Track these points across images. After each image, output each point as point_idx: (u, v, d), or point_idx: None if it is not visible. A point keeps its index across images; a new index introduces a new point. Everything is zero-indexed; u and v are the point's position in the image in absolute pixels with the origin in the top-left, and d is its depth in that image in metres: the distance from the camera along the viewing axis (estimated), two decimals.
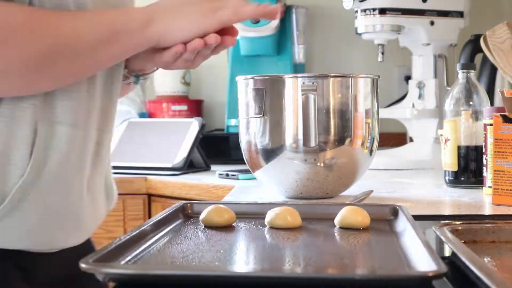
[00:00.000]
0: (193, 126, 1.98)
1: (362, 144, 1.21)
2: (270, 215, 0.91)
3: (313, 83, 1.17)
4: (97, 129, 0.95)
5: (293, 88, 1.18)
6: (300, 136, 1.18)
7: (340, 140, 1.19)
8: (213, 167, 1.99)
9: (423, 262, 0.66)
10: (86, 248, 1.00)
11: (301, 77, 1.18)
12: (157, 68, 1.04)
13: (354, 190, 1.28)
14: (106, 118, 0.97)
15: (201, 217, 0.93)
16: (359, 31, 1.92)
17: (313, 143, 1.17)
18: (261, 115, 1.20)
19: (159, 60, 0.95)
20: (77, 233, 0.96)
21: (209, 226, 0.91)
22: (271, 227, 0.90)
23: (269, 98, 1.19)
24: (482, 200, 1.22)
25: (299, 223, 0.90)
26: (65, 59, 0.85)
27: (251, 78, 1.22)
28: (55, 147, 0.88)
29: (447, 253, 0.78)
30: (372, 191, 1.24)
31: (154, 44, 0.90)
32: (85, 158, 0.93)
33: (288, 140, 1.19)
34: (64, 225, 0.93)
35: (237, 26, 2.43)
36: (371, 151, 1.24)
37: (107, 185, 1.06)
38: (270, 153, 1.21)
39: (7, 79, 0.83)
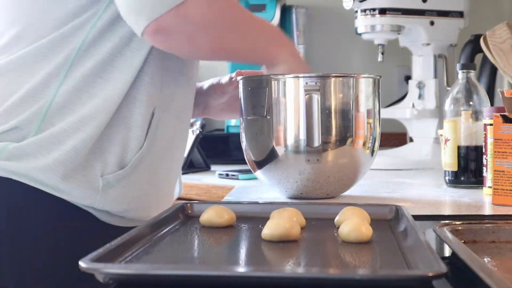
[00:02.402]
0: (193, 126, 1.98)
1: (364, 144, 1.21)
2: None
3: (316, 83, 1.17)
4: (189, 121, 1.21)
5: (295, 88, 1.18)
6: (302, 136, 1.18)
7: (342, 141, 1.19)
8: (213, 167, 1.99)
9: (423, 262, 0.66)
10: None
11: (303, 77, 1.18)
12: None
13: (354, 190, 1.28)
14: (190, 110, 1.22)
15: (201, 218, 0.92)
16: (359, 31, 1.92)
17: (316, 143, 1.17)
18: (262, 115, 1.20)
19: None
20: (164, 206, 1.15)
21: (209, 226, 0.91)
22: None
23: (270, 98, 1.19)
24: (482, 200, 1.22)
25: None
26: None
27: (253, 78, 1.22)
28: (163, 130, 1.12)
29: (447, 253, 0.78)
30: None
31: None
32: (184, 144, 1.19)
33: (290, 140, 1.19)
34: (158, 197, 1.15)
35: None
36: (372, 152, 1.24)
37: (179, 177, 1.30)
38: (271, 153, 1.21)
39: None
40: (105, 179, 1.06)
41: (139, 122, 1.09)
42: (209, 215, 0.92)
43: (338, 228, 0.88)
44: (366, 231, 0.81)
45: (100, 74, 1.07)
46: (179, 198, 1.65)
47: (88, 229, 1.07)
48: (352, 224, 0.82)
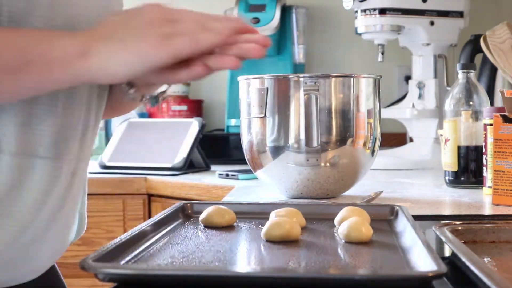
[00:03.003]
0: (193, 126, 1.98)
1: (364, 144, 1.21)
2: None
3: (315, 83, 1.17)
4: (74, 158, 0.83)
5: (295, 88, 1.18)
6: (302, 136, 1.18)
7: (342, 140, 1.19)
8: (213, 167, 1.99)
9: (423, 262, 0.66)
10: (45, 279, 0.88)
11: (303, 77, 1.18)
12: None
13: (354, 190, 1.28)
14: (85, 146, 0.85)
15: (201, 218, 0.92)
16: (359, 31, 1.92)
17: (315, 143, 1.17)
18: (263, 115, 1.20)
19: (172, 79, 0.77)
20: (28, 271, 0.84)
21: (209, 226, 0.91)
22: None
23: (271, 98, 1.19)
24: (482, 200, 1.22)
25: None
26: None
27: (253, 78, 1.22)
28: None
29: (447, 253, 0.78)
30: (382, 191, 1.22)
31: (87, 81, 0.73)
32: (53, 190, 0.80)
33: (290, 140, 1.19)
34: (11, 266, 0.80)
35: None
36: (373, 152, 1.24)
37: (80, 215, 0.94)
38: (271, 153, 1.21)
39: None
40: None
41: None
42: (209, 215, 0.91)
43: (338, 228, 0.88)
44: (366, 231, 0.81)
45: None
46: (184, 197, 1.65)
47: None
48: (352, 224, 0.82)
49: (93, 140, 0.89)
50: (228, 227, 0.91)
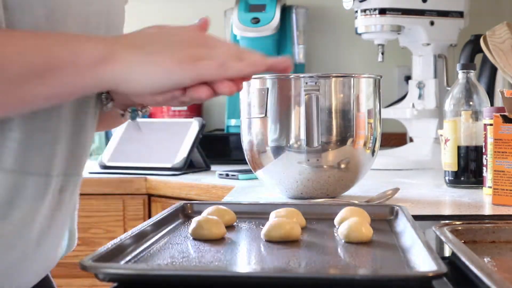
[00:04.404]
0: (193, 126, 1.98)
1: (365, 144, 1.21)
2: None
3: (315, 83, 1.17)
4: (61, 174, 0.80)
5: (295, 88, 1.18)
6: (303, 136, 1.18)
7: (342, 141, 1.19)
8: (213, 167, 1.99)
9: (423, 262, 0.66)
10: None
11: (304, 77, 1.18)
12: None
13: (354, 190, 1.28)
14: (75, 162, 0.82)
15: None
16: (359, 31, 1.92)
17: (316, 143, 1.17)
18: (263, 115, 1.20)
19: (149, 100, 0.77)
20: (16, 286, 0.81)
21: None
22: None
23: (271, 98, 1.19)
24: (482, 200, 1.22)
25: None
26: None
27: (254, 78, 1.22)
28: None
29: (447, 253, 0.78)
30: (398, 189, 1.22)
31: (109, 87, 0.72)
32: (40, 208, 0.78)
33: (291, 140, 1.19)
34: None
35: (236, 25, 2.42)
36: (373, 152, 1.24)
37: (70, 232, 0.91)
38: (272, 153, 1.21)
39: None
40: None
41: None
42: (209, 215, 0.91)
43: (338, 228, 0.87)
44: (366, 231, 0.81)
45: None
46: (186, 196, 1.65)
47: None
48: (352, 224, 0.82)
49: (85, 157, 0.86)
50: (228, 227, 0.91)
